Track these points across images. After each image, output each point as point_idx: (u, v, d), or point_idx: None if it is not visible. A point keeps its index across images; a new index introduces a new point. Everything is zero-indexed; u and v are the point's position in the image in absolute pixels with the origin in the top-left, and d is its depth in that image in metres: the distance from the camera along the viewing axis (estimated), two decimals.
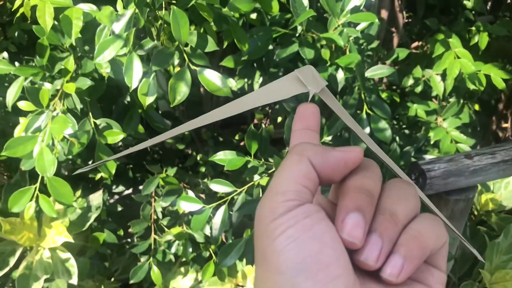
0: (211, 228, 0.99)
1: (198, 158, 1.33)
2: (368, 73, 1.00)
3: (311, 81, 0.31)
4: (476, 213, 1.42)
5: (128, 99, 1.06)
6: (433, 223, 0.26)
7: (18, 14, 0.76)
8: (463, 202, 0.98)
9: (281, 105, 1.08)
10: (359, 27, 1.02)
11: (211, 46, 0.78)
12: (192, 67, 0.75)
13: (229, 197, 0.98)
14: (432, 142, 1.17)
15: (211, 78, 0.74)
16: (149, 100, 0.79)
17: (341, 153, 0.26)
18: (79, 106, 0.90)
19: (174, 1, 0.79)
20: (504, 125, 1.62)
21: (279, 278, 0.22)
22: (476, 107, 1.36)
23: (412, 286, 0.26)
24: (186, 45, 0.77)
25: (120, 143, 1.33)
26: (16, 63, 1.05)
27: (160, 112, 1.38)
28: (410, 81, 1.28)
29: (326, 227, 0.24)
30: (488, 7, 1.62)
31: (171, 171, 1.21)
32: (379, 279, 0.24)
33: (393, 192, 0.27)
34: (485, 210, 1.37)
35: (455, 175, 0.94)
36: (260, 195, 1.00)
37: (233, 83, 1.13)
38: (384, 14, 1.28)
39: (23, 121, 0.91)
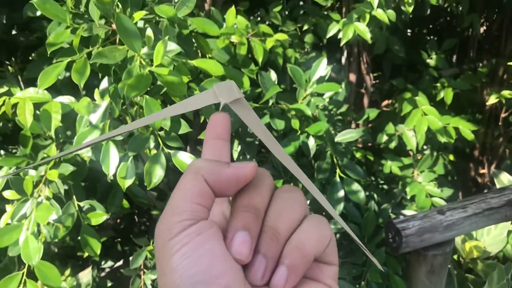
0: None
1: None
2: (338, 138, 1.05)
3: (225, 93, 0.33)
4: (462, 261, 1.44)
5: (112, 178, 1.10)
6: (316, 227, 0.28)
7: (0, 113, 0.81)
8: (441, 256, 1.01)
9: None
10: (327, 95, 1.08)
11: (184, 128, 0.83)
12: (166, 150, 0.80)
13: None
14: (408, 197, 1.21)
15: (184, 160, 0.78)
16: (127, 182, 0.83)
17: (233, 169, 0.27)
18: (63, 190, 0.93)
19: (148, 89, 0.84)
20: (482, 171, 1.67)
21: None
22: (451, 157, 1.41)
23: (305, 285, 0.28)
24: (161, 129, 0.82)
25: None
26: (2, 152, 1.09)
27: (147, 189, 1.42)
28: (384, 138, 1.33)
29: (218, 243, 0.26)
30: (454, 60, 1.70)
31: None
32: None
33: (277, 206, 0.28)
34: (470, 258, 1.39)
35: (430, 231, 0.97)
36: None
37: None
38: (353, 77, 1.35)
39: (9, 208, 0.94)
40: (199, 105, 0.33)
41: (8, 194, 0.91)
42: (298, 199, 0.29)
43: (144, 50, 0.74)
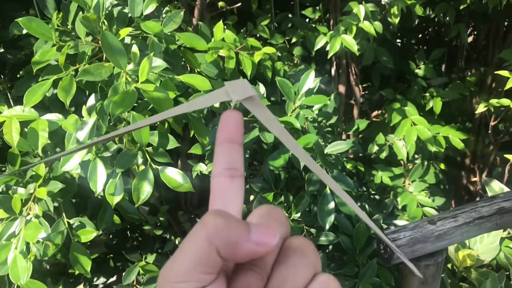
0: None
1: (177, 242, 1.35)
2: (327, 150, 1.05)
3: (238, 91, 0.32)
4: (456, 270, 1.43)
5: (102, 194, 1.10)
6: None
7: None
8: (433, 266, 1.00)
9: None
10: (316, 107, 1.09)
11: (172, 143, 0.83)
12: (154, 166, 0.79)
13: None
14: (400, 207, 1.21)
15: (172, 175, 0.78)
16: (116, 199, 0.83)
17: (252, 247, 0.25)
18: (52, 208, 0.93)
19: (135, 104, 0.84)
20: (473, 179, 1.68)
21: None
22: (442, 166, 1.41)
23: None
24: (148, 145, 0.82)
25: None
26: None
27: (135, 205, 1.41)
28: (375, 148, 1.34)
29: None
30: (443, 69, 1.72)
31: (151, 258, 1.22)
32: None
33: (284, 270, 0.27)
34: (464, 266, 1.39)
35: (421, 242, 0.97)
36: None
37: (204, 167, 1.18)
38: (342, 88, 1.36)
39: None
40: (210, 102, 0.32)
41: None
42: (308, 260, 0.27)
43: (130, 66, 0.74)
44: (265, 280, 0.26)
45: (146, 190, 0.78)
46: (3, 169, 1.11)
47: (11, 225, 0.90)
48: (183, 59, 0.97)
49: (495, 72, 1.42)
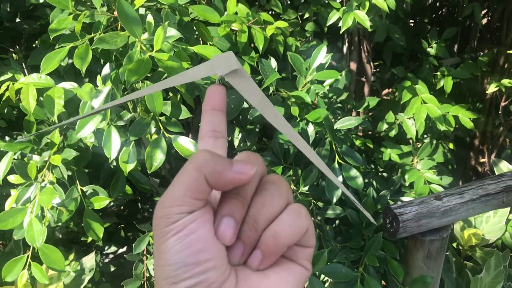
0: None
1: None
2: (337, 125, 1.06)
3: (223, 65, 0.34)
4: (461, 248, 1.45)
5: (114, 163, 1.12)
6: (293, 219, 0.31)
7: (4, 98, 0.83)
8: (438, 241, 1.02)
9: None
10: (327, 82, 1.09)
11: (185, 114, 0.85)
12: (167, 135, 0.81)
13: None
14: (407, 184, 1.22)
15: (185, 144, 0.80)
16: (129, 167, 0.85)
17: (234, 175, 0.30)
18: (66, 175, 0.95)
19: (149, 75, 0.86)
20: (482, 160, 1.68)
21: (167, 269, 0.28)
22: (451, 146, 1.42)
23: (281, 264, 0.32)
24: (161, 114, 0.84)
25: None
26: (6, 138, 1.11)
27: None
28: (385, 126, 1.34)
29: (208, 229, 0.29)
30: (455, 50, 1.71)
31: None
32: None
33: (261, 198, 0.31)
34: (469, 245, 1.40)
35: (427, 217, 0.98)
36: None
37: None
38: (353, 66, 1.36)
39: (14, 193, 0.96)
40: (197, 77, 0.35)
41: (13, 178, 0.93)
42: (281, 191, 0.31)
43: (145, 36, 0.75)
44: (246, 208, 0.31)
45: (159, 157, 0.80)
46: (19, 137, 1.13)
47: (26, 191, 0.93)
48: (196, 32, 0.98)
49: (508, 52, 1.41)
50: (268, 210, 0.31)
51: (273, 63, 1.05)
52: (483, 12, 1.64)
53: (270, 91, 1.04)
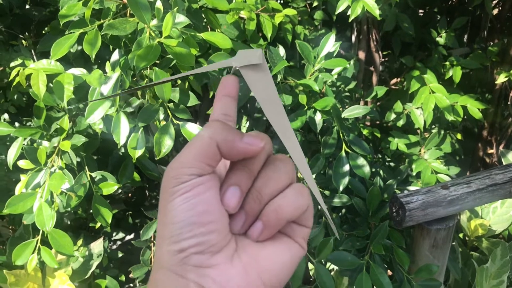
0: None
1: None
2: (345, 114, 1.06)
3: (245, 58, 0.35)
4: (467, 239, 1.45)
5: (123, 150, 1.13)
6: (296, 196, 0.32)
7: (14, 83, 0.83)
8: (444, 230, 1.02)
9: None
10: (335, 71, 1.09)
11: (193, 100, 0.85)
12: (175, 121, 0.82)
13: None
14: (414, 174, 1.22)
15: (193, 131, 0.80)
16: (138, 153, 0.86)
17: (244, 145, 0.31)
18: (75, 161, 0.96)
19: (157, 61, 0.86)
20: (490, 151, 1.67)
21: (171, 227, 0.30)
22: (459, 136, 1.41)
23: (279, 238, 0.33)
24: (170, 101, 0.84)
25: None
26: (16, 124, 1.12)
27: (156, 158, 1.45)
28: (392, 116, 1.34)
29: (214, 194, 0.31)
30: (465, 40, 1.70)
31: None
32: None
33: (267, 172, 0.33)
34: (475, 235, 1.40)
35: (433, 206, 0.98)
36: None
37: None
38: (362, 55, 1.36)
39: (23, 178, 0.97)
40: (216, 67, 0.38)
41: (23, 163, 0.94)
42: (286, 168, 0.33)
43: (154, 22, 0.75)
44: (252, 180, 0.32)
45: (167, 144, 0.81)
46: (29, 123, 1.14)
47: (36, 176, 0.94)
48: (205, 20, 0.98)
49: None
50: (273, 184, 0.32)
51: (282, 51, 1.05)
52: (494, 1, 1.62)
53: (278, 79, 1.04)
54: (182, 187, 0.30)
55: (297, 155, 0.35)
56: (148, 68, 0.88)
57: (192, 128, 0.81)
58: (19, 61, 0.98)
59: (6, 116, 1.10)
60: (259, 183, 0.32)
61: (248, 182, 0.32)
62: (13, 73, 0.85)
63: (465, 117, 1.28)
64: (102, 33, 0.75)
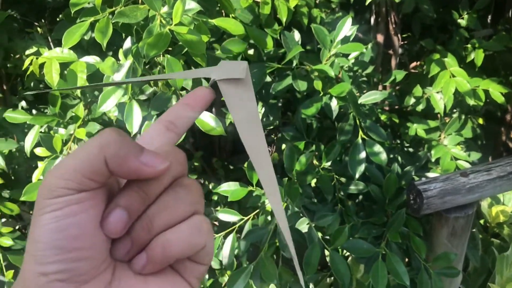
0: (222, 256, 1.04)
1: (210, 187, 1.38)
2: (361, 100, 1.04)
3: (227, 71, 0.32)
4: (488, 225, 1.42)
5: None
6: (191, 232, 0.28)
7: (28, 72, 0.84)
8: (462, 219, 1.00)
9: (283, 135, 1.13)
10: (352, 55, 1.07)
11: None
12: None
13: (237, 226, 1.03)
14: (433, 160, 1.20)
15: (206, 119, 0.80)
16: None
17: (138, 165, 0.26)
18: None
19: (170, 49, 0.85)
20: None
21: (35, 246, 0.25)
22: (480, 121, 1.38)
23: (166, 274, 0.29)
24: (182, 89, 0.84)
25: None
26: (33, 111, 1.13)
27: None
28: (412, 100, 1.31)
29: (93, 216, 0.26)
30: (489, 21, 1.64)
31: None
32: None
33: (166, 200, 0.28)
34: (496, 222, 1.38)
35: (452, 194, 0.96)
36: (266, 222, 1.04)
37: None
38: (380, 38, 1.32)
39: (41, 165, 0.98)
40: (194, 75, 0.36)
41: (40, 151, 0.95)
42: (189, 198, 0.29)
43: (164, 9, 0.74)
44: (146, 205, 0.27)
45: None
46: (45, 110, 1.15)
47: (52, 163, 0.95)
48: (218, 4, 0.96)
49: None
50: (169, 215, 0.28)
51: (297, 35, 1.03)
52: None
53: (294, 64, 1.02)
54: (53, 203, 0.25)
55: (270, 187, 0.31)
56: (161, 55, 0.87)
57: (205, 117, 0.81)
58: (34, 49, 0.98)
59: (23, 103, 1.11)
60: (152, 210, 0.28)
61: (140, 207, 0.27)
62: (27, 62, 0.85)
63: (488, 100, 1.25)
64: (113, 21, 0.75)
